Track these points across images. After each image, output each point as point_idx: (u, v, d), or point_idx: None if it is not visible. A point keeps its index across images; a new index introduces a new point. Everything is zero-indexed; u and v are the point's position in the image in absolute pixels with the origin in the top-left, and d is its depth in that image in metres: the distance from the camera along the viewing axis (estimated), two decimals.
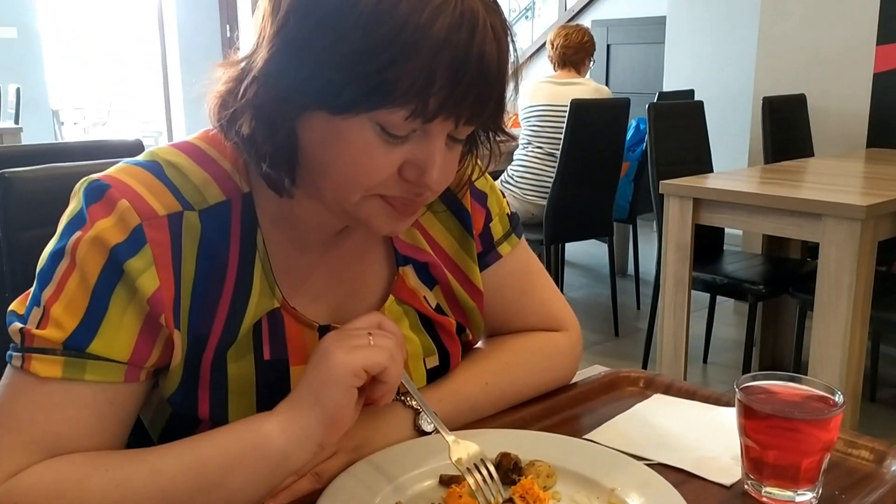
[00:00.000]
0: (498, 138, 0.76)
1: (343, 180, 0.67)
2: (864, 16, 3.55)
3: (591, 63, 3.69)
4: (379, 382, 0.67)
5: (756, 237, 3.38)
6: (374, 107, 0.62)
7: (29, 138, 5.12)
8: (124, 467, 0.64)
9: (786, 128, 3.40)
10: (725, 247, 3.12)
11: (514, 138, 3.43)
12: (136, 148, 1.45)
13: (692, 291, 2.62)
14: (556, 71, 3.62)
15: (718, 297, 3.24)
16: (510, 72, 0.66)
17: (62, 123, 8.10)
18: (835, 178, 2.74)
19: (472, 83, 0.62)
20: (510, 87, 0.67)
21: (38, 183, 1.03)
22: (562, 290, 1.26)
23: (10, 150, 1.35)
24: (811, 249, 3.04)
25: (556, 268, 3.96)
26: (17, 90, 5.49)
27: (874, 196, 2.24)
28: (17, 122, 5.34)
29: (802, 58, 3.77)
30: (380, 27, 0.59)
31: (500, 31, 0.64)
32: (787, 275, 2.82)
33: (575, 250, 4.82)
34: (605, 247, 3.77)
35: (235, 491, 0.65)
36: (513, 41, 0.66)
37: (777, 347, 3.15)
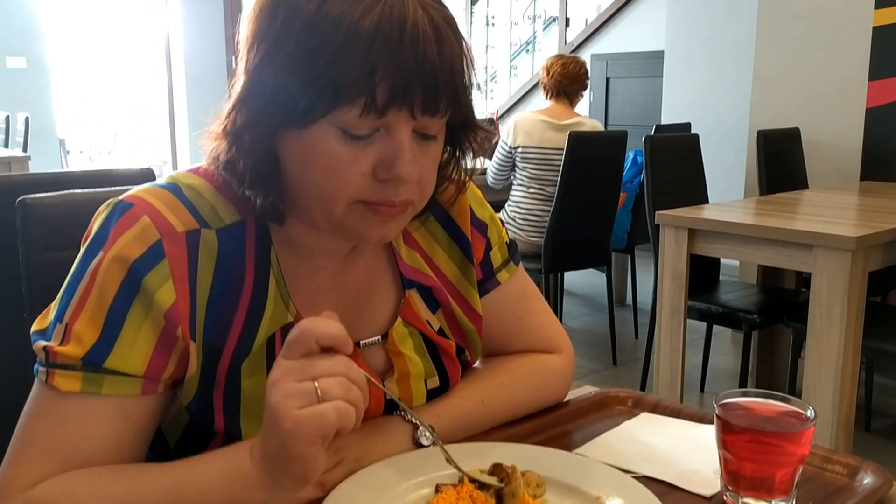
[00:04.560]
0: (475, 135, 0.80)
1: (322, 192, 0.71)
2: (856, 52, 3.64)
3: (581, 96, 3.67)
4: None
5: (751, 268, 3.43)
6: (328, 109, 0.67)
7: (36, 166, 5.20)
8: (120, 495, 0.67)
9: (780, 161, 3.47)
10: (722, 277, 3.17)
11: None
12: (146, 176, 1.49)
13: (688, 320, 2.66)
14: (548, 100, 3.60)
15: (716, 329, 3.28)
16: (461, 62, 0.70)
17: (68, 152, 8.21)
18: (827, 209, 2.80)
19: (413, 70, 0.66)
20: (465, 78, 0.71)
21: (56, 208, 1.08)
22: (560, 319, 1.30)
23: (25, 177, 1.41)
24: (805, 280, 3.08)
25: (555, 297, 4.00)
26: (26, 119, 5.58)
27: (865, 227, 2.29)
28: (25, 150, 5.43)
29: (797, 93, 3.85)
30: (318, 31, 0.66)
31: (440, 22, 0.68)
32: (781, 304, 2.87)
33: (574, 280, 4.87)
34: (603, 276, 3.82)
35: None
36: (456, 34, 0.70)
37: (772, 376, 3.18)
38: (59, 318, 0.72)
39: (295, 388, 0.61)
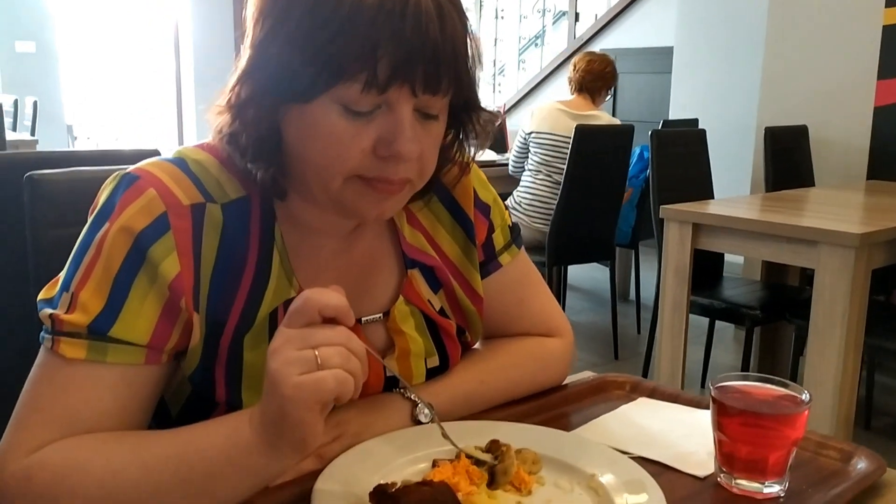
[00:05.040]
0: (479, 117, 0.81)
1: (321, 167, 0.72)
2: (865, 51, 3.62)
3: (608, 95, 3.72)
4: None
5: (756, 265, 3.43)
6: (330, 84, 0.68)
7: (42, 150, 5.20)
8: (122, 459, 0.68)
9: (787, 158, 3.47)
10: (725, 274, 3.18)
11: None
12: (153, 156, 1.51)
13: (690, 315, 2.67)
14: (572, 94, 3.66)
15: (719, 325, 3.28)
16: (463, 42, 0.71)
17: (76, 138, 8.23)
18: (833, 207, 2.80)
19: (415, 47, 0.67)
20: (468, 57, 0.72)
21: (64, 185, 1.09)
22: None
23: (33, 155, 1.42)
24: (810, 277, 3.08)
25: (558, 290, 4.01)
26: (34, 103, 5.60)
27: (870, 225, 2.29)
28: (32, 134, 5.45)
29: (805, 90, 3.85)
30: (322, 8, 0.67)
31: (443, 1, 0.69)
32: (784, 301, 2.87)
33: (577, 274, 4.87)
34: (607, 272, 3.82)
35: (219, 497, 0.67)
36: (460, 13, 0.71)
37: (774, 373, 3.15)
38: (65, 286, 0.73)
39: (295, 355, 0.62)
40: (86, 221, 0.77)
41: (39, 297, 0.75)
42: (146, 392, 0.74)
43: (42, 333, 0.73)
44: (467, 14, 0.74)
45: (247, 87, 0.72)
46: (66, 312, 0.71)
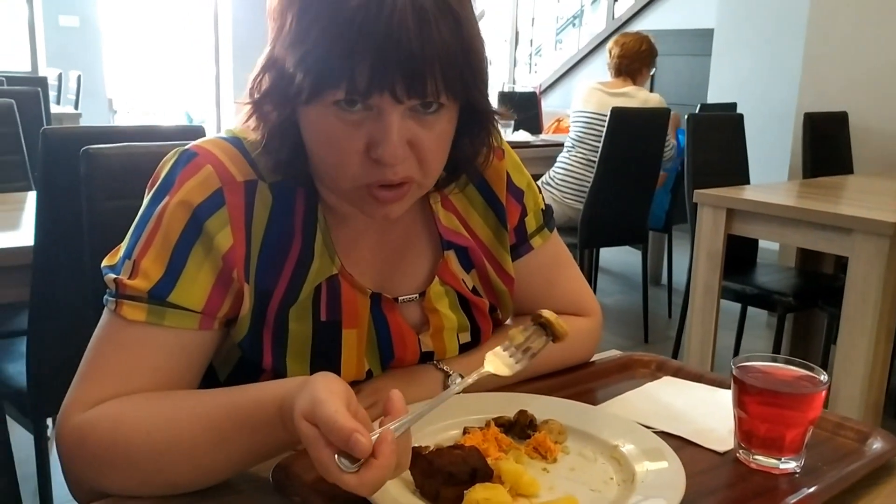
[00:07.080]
0: (489, 121, 0.80)
1: (329, 168, 0.76)
2: None
3: (650, 73, 3.70)
4: None
5: (790, 252, 3.41)
6: (317, 90, 0.70)
7: (86, 124, 5.33)
8: (165, 425, 0.71)
9: (826, 145, 3.43)
10: (760, 261, 3.16)
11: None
12: (197, 132, 1.56)
13: (723, 302, 2.67)
14: (611, 79, 3.66)
15: (751, 312, 3.27)
16: (454, 45, 0.70)
17: (115, 112, 8.38)
18: (870, 195, 2.77)
19: (389, 57, 0.67)
20: (459, 59, 0.70)
21: (119, 159, 1.15)
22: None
23: (86, 129, 1.47)
24: (844, 265, 3.06)
25: (589, 273, 4.02)
26: (79, 77, 5.72)
27: None
28: (76, 107, 5.58)
29: (846, 77, 3.79)
30: (307, 14, 0.70)
31: (427, 4, 0.68)
32: (818, 289, 2.85)
33: (610, 257, 4.87)
34: (639, 255, 3.82)
35: (246, 459, 0.70)
36: (448, 14, 0.69)
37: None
38: (128, 254, 0.78)
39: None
40: (137, 193, 0.82)
41: (103, 263, 0.80)
42: (198, 355, 0.79)
43: (105, 296, 0.78)
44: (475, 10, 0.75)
45: (265, 83, 0.75)
46: (128, 278, 0.77)
